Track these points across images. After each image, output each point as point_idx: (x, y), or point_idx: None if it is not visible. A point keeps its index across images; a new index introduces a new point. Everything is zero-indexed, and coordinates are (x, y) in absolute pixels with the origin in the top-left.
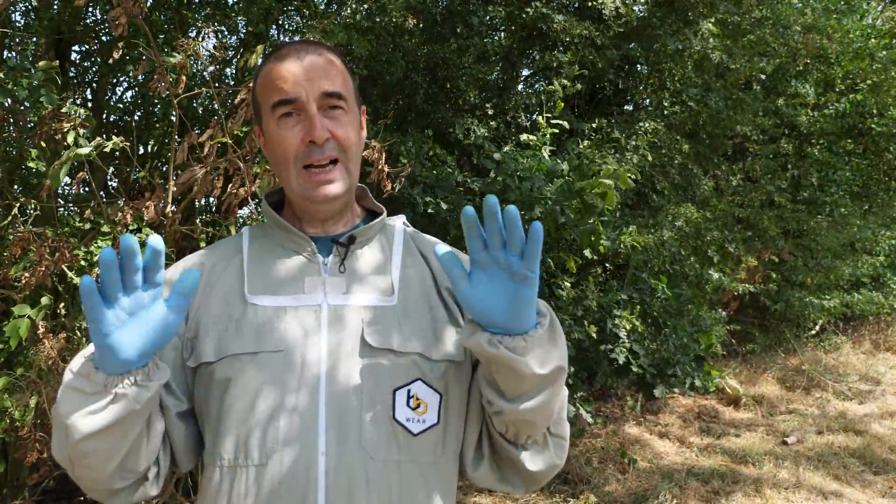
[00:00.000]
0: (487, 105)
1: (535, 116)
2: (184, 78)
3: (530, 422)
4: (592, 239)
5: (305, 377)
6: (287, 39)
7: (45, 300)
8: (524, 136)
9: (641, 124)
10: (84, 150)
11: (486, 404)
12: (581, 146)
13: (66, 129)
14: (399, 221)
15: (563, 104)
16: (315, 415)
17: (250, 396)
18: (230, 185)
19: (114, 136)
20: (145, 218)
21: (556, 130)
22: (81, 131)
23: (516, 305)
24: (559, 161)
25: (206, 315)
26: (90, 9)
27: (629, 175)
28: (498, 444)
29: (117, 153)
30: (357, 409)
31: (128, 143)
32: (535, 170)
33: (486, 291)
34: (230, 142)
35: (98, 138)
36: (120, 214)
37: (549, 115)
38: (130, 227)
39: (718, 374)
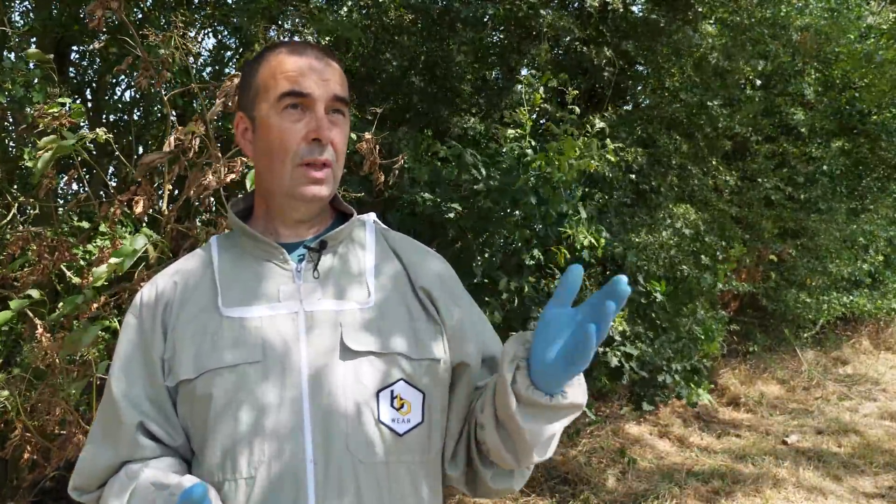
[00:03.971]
0: (482, 102)
1: (520, 109)
2: (165, 72)
3: (505, 454)
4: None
5: (287, 386)
6: (286, 39)
7: (35, 293)
8: (509, 131)
9: (638, 123)
10: (67, 143)
11: (478, 411)
12: (578, 140)
13: (55, 125)
14: (370, 219)
15: (540, 96)
16: (300, 423)
17: (233, 410)
18: (197, 175)
19: (98, 130)
20: (135, 212)
21: (534, 118)
22: (67, 125)
23: (571, 365)
24: (535, 150)
25: (180, 332)
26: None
27: (609, 155)
28: (472, 450)
29: (116, 152)
30: (342, 414)
31: (111, 137)
32: (513, 159)
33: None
34: (200, 132)
35: (83, 131)
36: (110, 210)
37: (530, 107)
38: (121, 222)
39: (705, 388)
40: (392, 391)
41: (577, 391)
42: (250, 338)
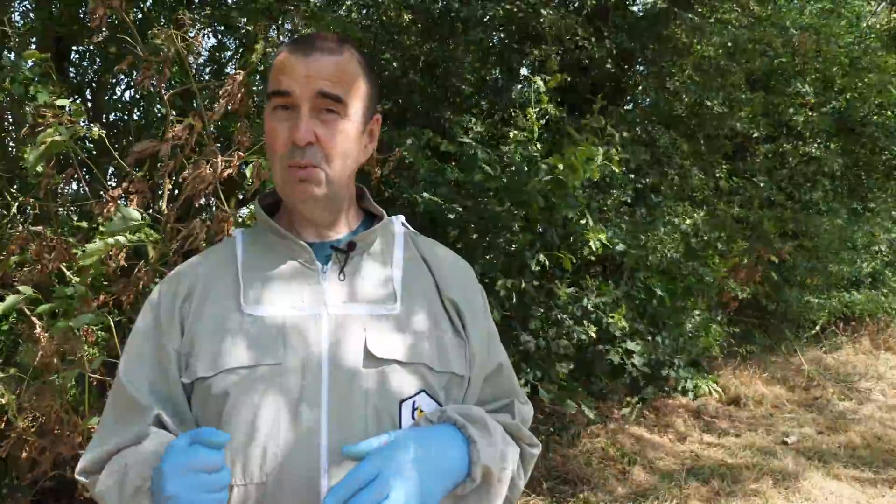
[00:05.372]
0: (483, 102)
1: (528, 109)
2: (167, 71)
3: None
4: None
5: (306, 390)
6: (285, 39)
7: (28, 290)
8: (513, 133)
9: (637, 121)
10: (60, 138)
11: None
12: (578, 141)
13: (52, 123)
14: (399, 222)
15: (547, 98)
16: (317, 429)
17: (249, 412)
18: (196, 169)
19: (94, 127)
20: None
21: (542, 122)
22: (65, 123)
23: None
24: (547, 155)
25: (200, 328)
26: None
27: (615, 157)
28: None
29: (116, 153)
30: (362, 423)
31: (104, 134)
32: (520, 161)
33: None
34: (199, 128)
35: (77, 126)
36: (105, 209)
37: (537, 110)
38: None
39: (712, 379)
40: (414, 402)
41: (481, 457)
42: (271, 338)
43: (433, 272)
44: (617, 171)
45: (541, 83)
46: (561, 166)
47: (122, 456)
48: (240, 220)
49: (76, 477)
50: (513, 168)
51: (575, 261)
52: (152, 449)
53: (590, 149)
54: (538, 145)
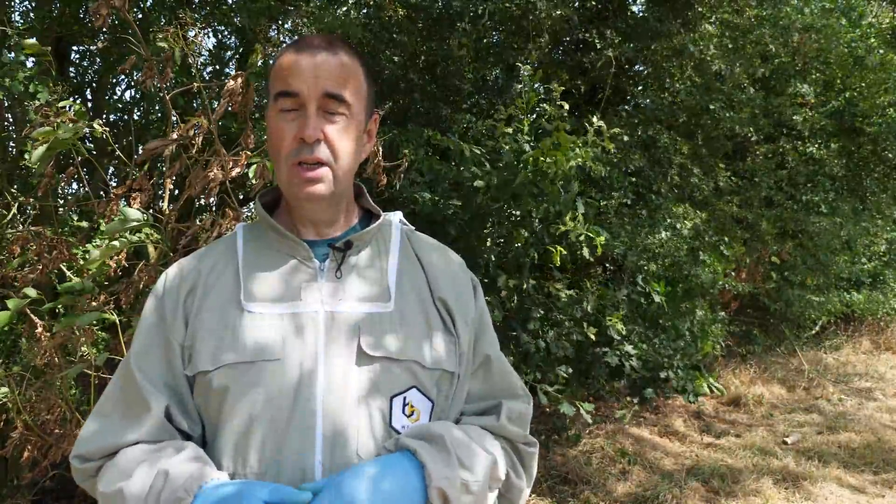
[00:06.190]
0: (483, 101)
1: (521, 101)
2: (169, 71)
3: None
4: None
5: (303, 386)
6: (286, 39)
7: (32, 292)
8: (500, 126)
9: (637, 120)
10: (64, 135)
11: None
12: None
13: (55, 122)
14: (396, 219)
15: (535, 94)
16: (312, 424)
17: (247, 406)
18: (199, 171)
19: (95, 124)
20: (133, 208)
21: (533, 117)
22: (66, 121)
23: None
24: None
25: (201, 323)
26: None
27: (603, 148)
28: None
29: (116, 153)
30: (353, 418)
31: (107, 132)
32: (510, 155)
33: None
34: (205, 127)
35: (80, 124)
36: (108, 207)
37: (525, 105)
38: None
39: (709, 378)
40: (405, 398)
41: (433, 481)
42: (269, 335)
43: (425, 270)
44: (610, 148)
45: (525, 71)
46: (542, 158)
47: (157, 460)
48: (243, 218)
49: (70, 460)
50: (503, 163)
51: (565, 254)
52: (200, 467)
53: (563, 135)
54: (528, 138)
